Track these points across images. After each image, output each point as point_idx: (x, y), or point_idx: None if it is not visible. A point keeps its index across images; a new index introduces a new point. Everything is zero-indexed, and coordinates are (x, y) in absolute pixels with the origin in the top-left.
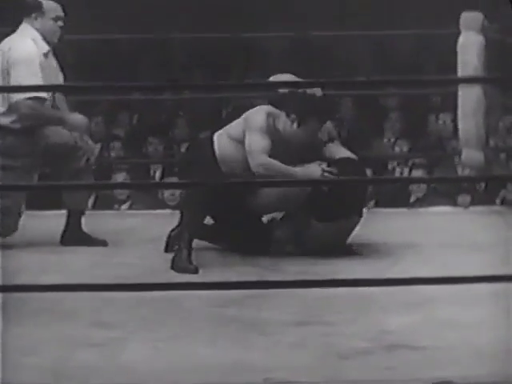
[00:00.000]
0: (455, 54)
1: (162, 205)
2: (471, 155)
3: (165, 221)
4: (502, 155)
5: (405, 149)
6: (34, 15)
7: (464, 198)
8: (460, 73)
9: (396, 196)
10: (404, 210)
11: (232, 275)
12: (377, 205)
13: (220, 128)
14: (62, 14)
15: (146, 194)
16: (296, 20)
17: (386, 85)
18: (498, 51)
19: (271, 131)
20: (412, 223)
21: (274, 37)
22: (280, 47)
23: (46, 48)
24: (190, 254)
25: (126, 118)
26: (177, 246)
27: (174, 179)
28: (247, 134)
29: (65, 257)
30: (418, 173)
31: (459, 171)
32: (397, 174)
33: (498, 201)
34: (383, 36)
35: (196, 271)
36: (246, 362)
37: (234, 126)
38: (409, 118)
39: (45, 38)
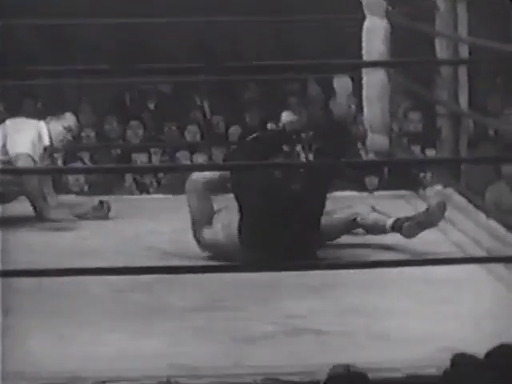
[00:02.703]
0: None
1: (66, 190)
2: (376, 140)
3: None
4: (405, 139)
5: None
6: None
7: (371, 180)
8: (365, 58)
9: None
10: None
11: None
12: None
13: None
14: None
15: None
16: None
17: (290, 69)
18: (402, 36)
19: None
20: None
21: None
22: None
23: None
24: None
25: (29, 104)
26: None
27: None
28: None
29: None
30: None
31: (364, 156)
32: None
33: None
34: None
35: None
36: (151, 348)
37: None
38: (311, 102)
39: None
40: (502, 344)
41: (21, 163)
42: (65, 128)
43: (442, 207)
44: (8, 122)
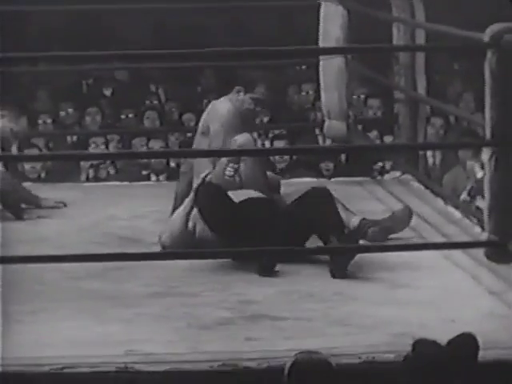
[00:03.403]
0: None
1: (23, 177)
2: (334, 126)
3: None
4: (360, 126)
5: (265, 120)
6: None
7: (327, 165)
8: (321, 44)
9: None
10: None
11: None
12: None
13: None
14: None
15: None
16: None
17: (248, 56)
18: (359, 22)
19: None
20: None
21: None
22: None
23: None
24: None
25: None
26: None
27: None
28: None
29: None
30: (279, 144)
31: (321, 142)
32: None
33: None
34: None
35: None
36: (108, 335)
37: None
38: (270, 89)
39: None
40: (464, 333)
41: None
42: (11, 130)
43: (407, 213)
44: None
